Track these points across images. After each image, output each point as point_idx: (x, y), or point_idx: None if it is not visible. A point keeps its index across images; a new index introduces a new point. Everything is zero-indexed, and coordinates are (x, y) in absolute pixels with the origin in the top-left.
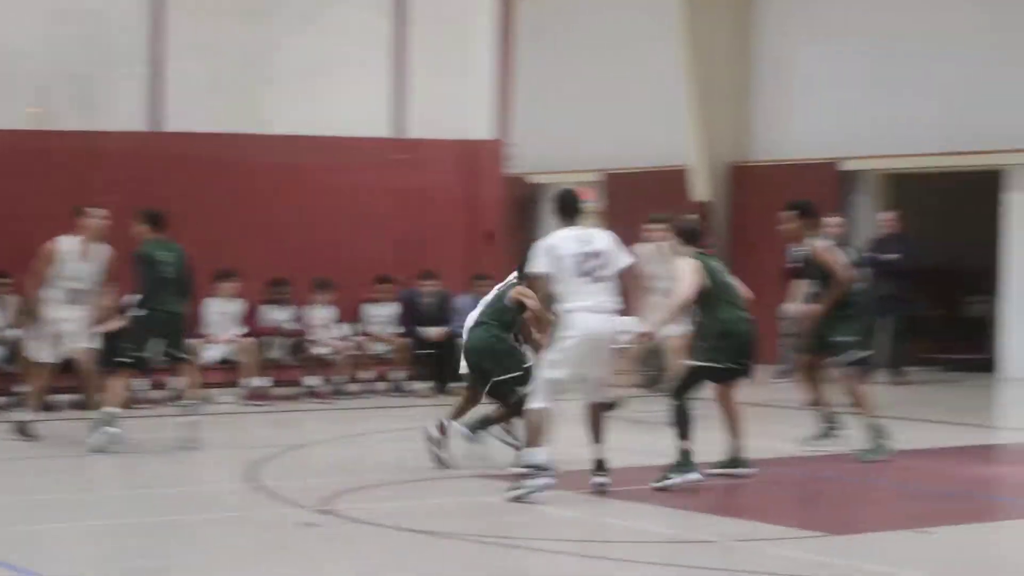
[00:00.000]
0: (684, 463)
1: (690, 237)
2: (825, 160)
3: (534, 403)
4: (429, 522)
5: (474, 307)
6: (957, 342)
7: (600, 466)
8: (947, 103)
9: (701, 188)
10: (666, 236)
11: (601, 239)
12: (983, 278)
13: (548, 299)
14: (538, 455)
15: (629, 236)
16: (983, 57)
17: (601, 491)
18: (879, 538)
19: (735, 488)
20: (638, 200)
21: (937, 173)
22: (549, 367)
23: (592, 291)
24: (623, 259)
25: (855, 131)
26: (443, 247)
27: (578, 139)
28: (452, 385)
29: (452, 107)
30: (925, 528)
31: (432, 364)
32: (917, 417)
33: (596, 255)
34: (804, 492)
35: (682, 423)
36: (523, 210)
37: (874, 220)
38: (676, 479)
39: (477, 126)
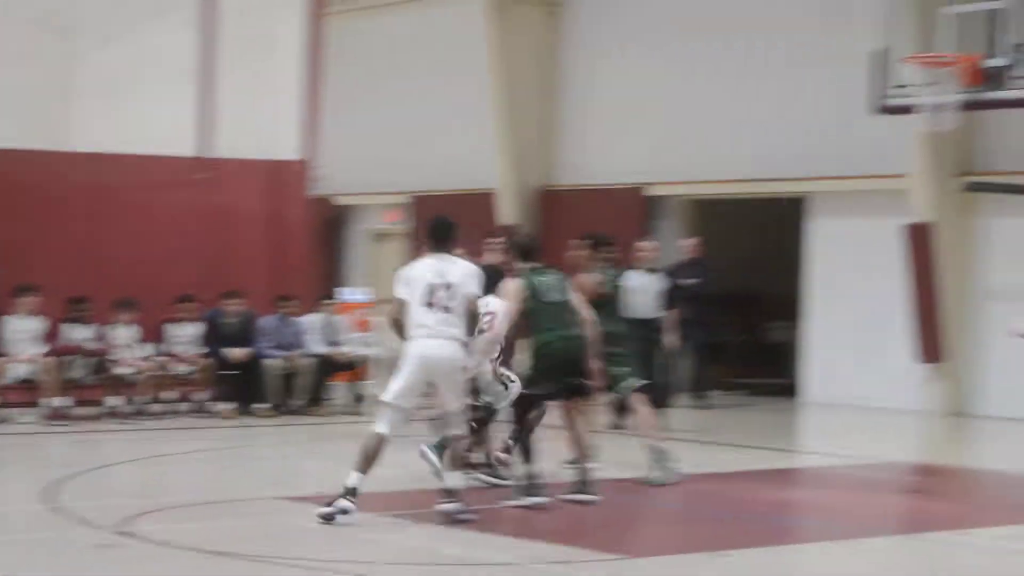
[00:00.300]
0: (528, 487)
1: (525, 253)
2: (632, 185)
3: (375, 427)
4: (229, 544)
5: (281, 328)
6: (759, 367)
7: (449, 493)
8: (751, 131)
9: (508, 212)
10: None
11: (457, 271)
12: (785, 304)
13: (397, 325)
14: (353, 479)
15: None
16: (786, 87)
17: (451, 519)
18: (677, 560)
19: (533, 511)
20: None
21: (742, 200)
22: (389, 393)
23: (434, 320)
24: (471, 290)
25: (661, 158)
26: (248, 267)
27: (386, 161)
28: (256, 406)
29: (259, 127)
30: (721, 551)
31: (235, 385)
32: (718, 441)
33: (447, 286)
34: (603, 515)
35: (524, 448)
36: (330, 231)
37: (677, 246)
38: (522, 501)
39: (284, 146)
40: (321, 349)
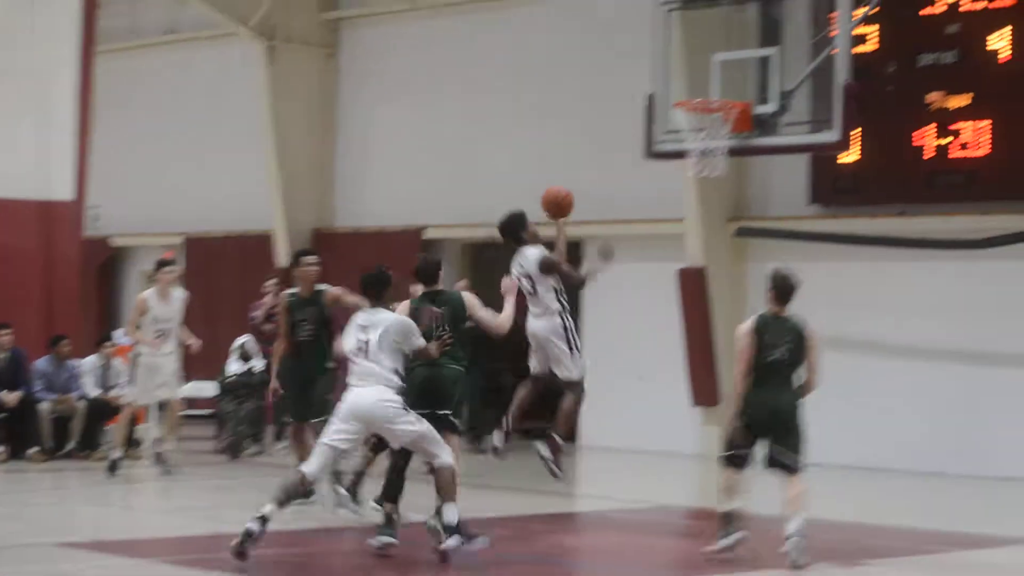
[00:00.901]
0: (383, 525)
1: (424, 277)
2: (409, 228)
3: (306, 465)
4: None
5: (54, 370)
6: (539, 410)
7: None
8: (526, 175)
9: (283, 253)
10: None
11: (385, 321)
12: None
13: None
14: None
15: (207, 299)
16: (560, 131)
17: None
18: None
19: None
20: (219, 264)
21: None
22: (326, 435)
23: (361, 368)
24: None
25: (438, 200)
26: (18, 309)
27: (161, 202)
28: (30, 451)
29: (30, 166)
30: None
31: (6, 428)
32: (494, 485)
33: (370, 332)
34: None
35: (387, 486)
36: (106, 273)
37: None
38: (380, 540)
39: (56, 186)
40: (96, 392)
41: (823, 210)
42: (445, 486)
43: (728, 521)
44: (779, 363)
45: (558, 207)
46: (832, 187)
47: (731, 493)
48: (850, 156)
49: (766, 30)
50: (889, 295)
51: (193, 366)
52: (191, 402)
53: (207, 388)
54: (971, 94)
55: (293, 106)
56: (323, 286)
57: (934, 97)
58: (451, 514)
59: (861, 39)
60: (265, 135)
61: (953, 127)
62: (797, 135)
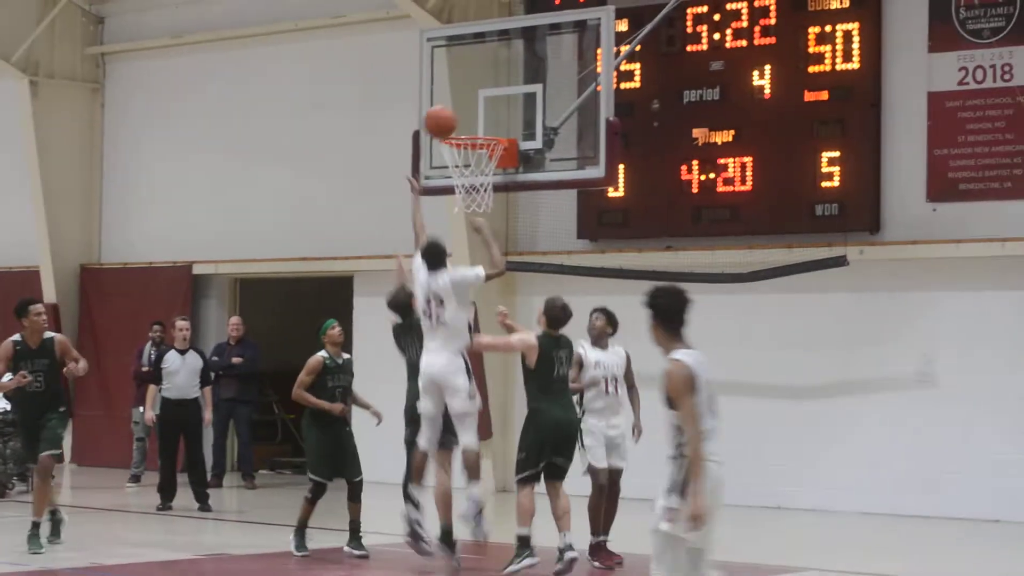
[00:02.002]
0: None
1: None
2: (177, 263)
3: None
4: None
5: None
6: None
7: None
8: (298, 210)
9: (49, 289)
10: None
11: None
12: None
13: None
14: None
15: None
16: (331, 166)
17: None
18: None
19: None
20: None
21: (288, 278)
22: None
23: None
24: None
25: (206, 235)
26: None
27: None
28: None
29: None
30: None
31: None
32: (262, 520)
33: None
34: None
35: None
36: None
37: (224, 324)
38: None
39: None
40: None
41: (591, 245)
42: (471, 466)
43: (523, 545)
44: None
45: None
46: (599, 221)
47: (528, 516)
48: (617, 191)
49: (531, 66)
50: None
51: None
52: None
53: None
54: (734, 130)
55: (58, 141)
56: (51, 334)
57: (699, 133)
58: (476, 489)
59: (627, 76)
60: (29, 170)
61: (718, 162)
62: (563, 171)
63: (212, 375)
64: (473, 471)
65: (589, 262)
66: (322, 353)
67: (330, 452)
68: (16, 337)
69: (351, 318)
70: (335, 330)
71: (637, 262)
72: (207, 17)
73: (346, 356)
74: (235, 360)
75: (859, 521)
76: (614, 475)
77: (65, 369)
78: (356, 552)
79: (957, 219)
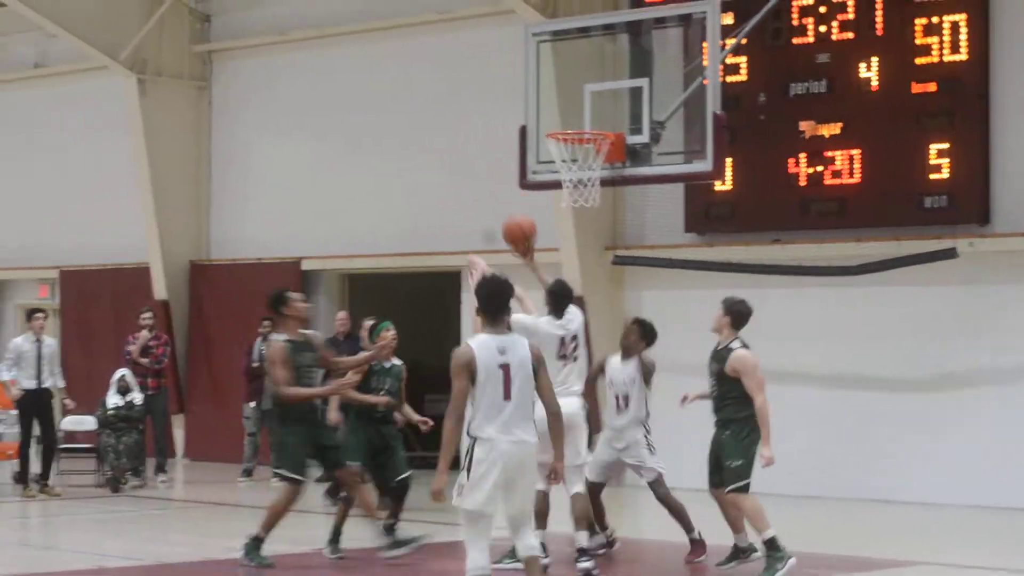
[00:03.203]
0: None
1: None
2: (286, 259)
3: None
4: None
5: None
6: (422, 439)
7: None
8: (405, 205)
9: (159, 286)
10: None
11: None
12: (443, 376)
13: None
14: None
15: (83, 333)
16: (440, 162)
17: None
18: None
19: None
20: (95, 297)
21: (396, 273)
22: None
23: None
24: None
25: (316, 232)
26: None
27: (36, 235)
28: None
29: None
30: None
31: None
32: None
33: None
34: None
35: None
36: None
37: (334, 319)
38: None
39: None
40: None
41: (698, 238)
42: (581, 515)
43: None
44: None
45: (524, 236)
46: (706, 215)
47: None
48: (724, 185)
49: (637, 61)
50: (765, 321)
51: (72, 400)
52: (71, 436)
53: (87, 422)
54: (841, 123)
55: (166, 139)
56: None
57: (806, 126)
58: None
59: (733, 69)
60: (139, 168)
61: (825, 155)
62: (670, 165)
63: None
64: (582, 520)
65: (697, 255)
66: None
67: (365, 452)
68: (282, 336)
69: (459, 313)
70: (390, 332)
71: (745, 255)
72: (312, 14)
73: (396, 362)
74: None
75: (970, 514)
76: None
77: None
78: (389, 554)
79: None
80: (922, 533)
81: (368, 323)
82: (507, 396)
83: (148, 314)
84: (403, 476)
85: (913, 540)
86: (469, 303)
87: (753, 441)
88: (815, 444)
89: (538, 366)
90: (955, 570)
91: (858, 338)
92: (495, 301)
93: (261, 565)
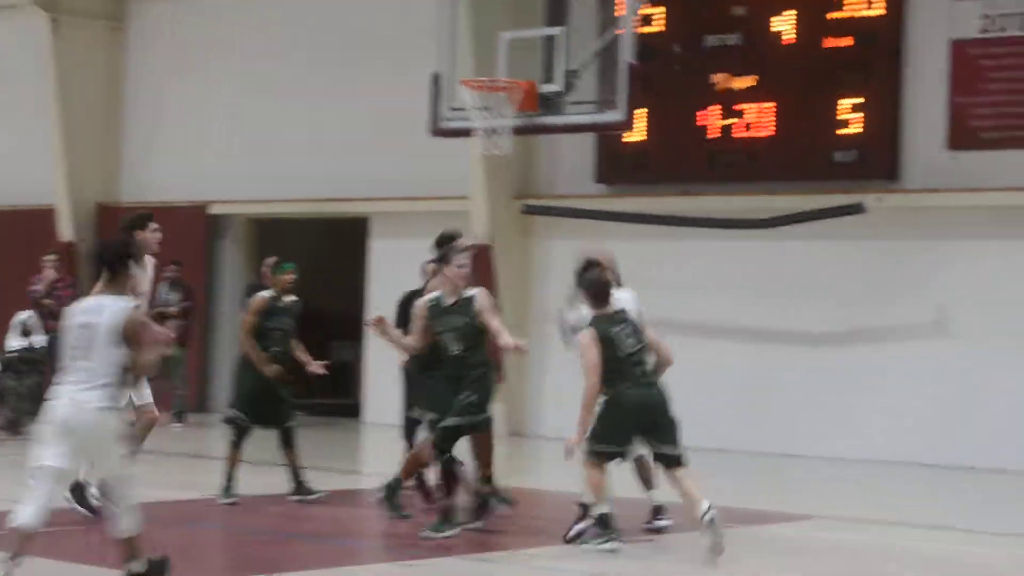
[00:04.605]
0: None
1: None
2: (194, 204)
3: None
4: None
5: None
6: (325, 387)
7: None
8: (314, 151)
9: (66, 228)
10: None
11: (111, 307)
12: (349, 323)
13: None
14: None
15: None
16: (348, 108)
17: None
18: None
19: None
20: (1, 238)
21: (305, 219)
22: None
23: (71, 372)
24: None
25: (224, 176)
26: None
27: None
28: None
29: None
30: (278, 572)
31: None
32: (279, 462)
33: (87, 326)
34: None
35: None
36: None
37: (241, 265)
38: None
39: None
40: None
41: (608, 189)
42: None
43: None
44: None
45: None
46: (617, 166)
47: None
48: (635, 136)
49: (553, 10)
50: (673, 273)
51: None
52: None
53: None
54: (756, 76)
55: (79, 79)
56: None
57: (719, 78)
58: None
59: (647, 20)
60: (50, 109)
61: (737, 108)
62: (582, 115)
63: None
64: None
65: (606, 206)
66: (267, 292)
67: (260, 397)
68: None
69: (364, 262)
70: (287, 276)
71: (654, 207)
72: None
73: (292, 298)
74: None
75: (875, 468)
76: None
77: None
78: (312, 497)
79: (977, 168)
80: (826, 487)
81: (270, 260)
82: (74, 356)
83: (52, 256)
84: (291, 423)
85: (816, 494)
86: (377, 251)
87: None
88: (723, 398)
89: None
90: (856, 523)
91: (766, 292)
92: (109, 260)
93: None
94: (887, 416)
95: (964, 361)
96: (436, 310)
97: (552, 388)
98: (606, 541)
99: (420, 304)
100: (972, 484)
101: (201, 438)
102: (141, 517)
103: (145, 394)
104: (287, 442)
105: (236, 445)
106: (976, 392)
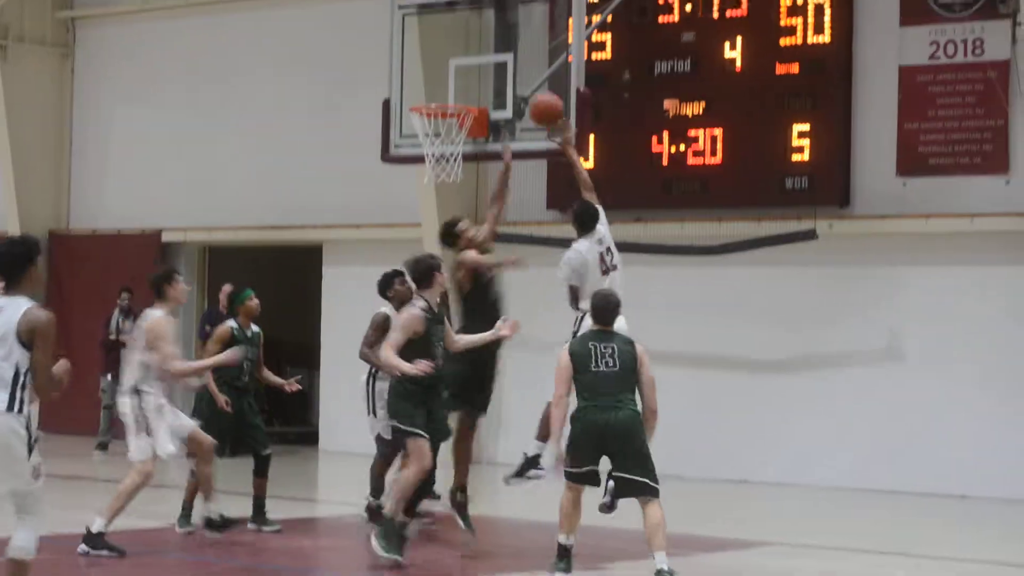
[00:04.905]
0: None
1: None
2: (147, 230)
3: None
4: None
5: None
6: (279, 414)
7: None
8: (267, 179)
9: None
10: None
11: (8, 307)
12: (305, 351)
13: None
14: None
15: None
16: (300, 136)
17: None
18: None
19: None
20: None
21: (259, 246)
22: None
23: None
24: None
25: (175, 203)
26: None
27: None
28: None
29: None
30: None
31: None
32: (233, 490)
33: None
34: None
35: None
36: None
37: (193, 292)
38: None
39: None
40: None
41: (561, 215)
42: None
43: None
44: None
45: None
46: (569, 193)
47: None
48: (587, 162)
49: (502, 36)
50: (626, 299)
51: None
52: None
53: None
54: (704, 102)
55: (27, 106)
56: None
57: (669, 105)
58: None
59: (598, 46)
60: None
61: (689, 134)
62: (533, 141)
63: None
64: None
65: (558, 233)
66: (230, 323)
67: (228, 426)
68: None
69: (319, 288)
70: (253, 302)
71: None
72: None
73: (255, 329)
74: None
75: (824, 495)
76: None
77: None
78: (268, 528)
79: (927, 194)
80: (777, 513)
81: (227, 288)
82: None
83: (1, 284)
84: (267, 452)
85: (766, 520)
86: (330, 278)
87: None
88: (673, 424)
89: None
90: (803, 550)
91: (718, 318)
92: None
93: None
94: (839, 442)
95: (915, 386)
96: (432, 320)
97: (508, 415)
98: (556, 568)
99: (415, 316)
100: (925, 510)
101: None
102: (38, 542)
103: (187, 422)
104: (261, 470)
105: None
106: (927, 417)
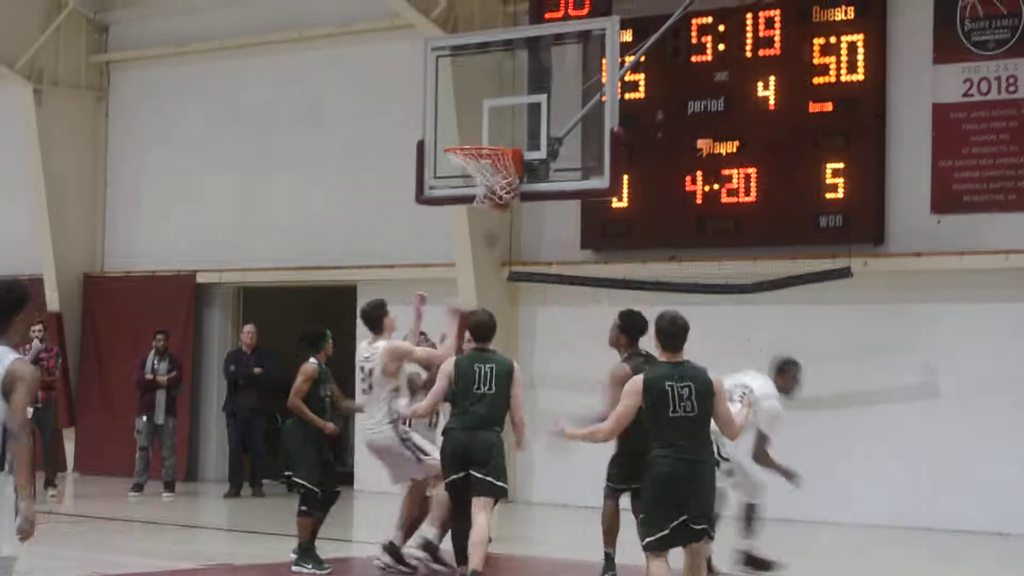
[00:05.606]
0: None
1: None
2: (181, 272)
3: None
4: None
5: None
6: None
7: None
8: (301, 220)
9: (52, 298)
10: None
11: None
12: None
13: None
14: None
15: None
16: (334, 176)
17: None
18: None
19: None
20: None
21: (292, 287)
22: None
23: None
24: None
25: (210, 245)
26: None
27: None
28: None
29: None
30: None
31: None
32: (266, 531)
33: None
34: None
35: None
36: None
37: (228, 333)
38: None
39: None
40: None
41: (595, 255)
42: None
43: None
44: None
45: None
46: (603, 232)
47: None
48: (621, 202)
49: (536, 77)
50: None
51: None
52: None
53: None
54: (738, 141)
55: (62, 149)
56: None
57: (703, 144)
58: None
59: (631, 86)
60: (33, 178)
61: (722, 173)
62: (567, 181)
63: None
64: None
65: (593, 272)
66: (313, 361)
67: (320, 460)
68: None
69: (354, 329)
70: (330, 342)
71: (641, 273)
72: (210, 26)
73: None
74: (256, 371)
75: (863, 533)
76: None
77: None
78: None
79: (961, 231)
80: (814, 551)
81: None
82: None
83: (38, 326)
84: (338, 488)
85: (804, 557)
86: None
87: None
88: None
89: None
90: None
91: (752, 357)
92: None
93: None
94: (875, 479)
95: (951, 423)
96: None
97: (541, 455)
98: None
99: (449, 361)
100: (965, 548)
101: (191, 507)
102: None
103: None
104: (327, 506)
105: (309, 514)
106: (964, 454)
